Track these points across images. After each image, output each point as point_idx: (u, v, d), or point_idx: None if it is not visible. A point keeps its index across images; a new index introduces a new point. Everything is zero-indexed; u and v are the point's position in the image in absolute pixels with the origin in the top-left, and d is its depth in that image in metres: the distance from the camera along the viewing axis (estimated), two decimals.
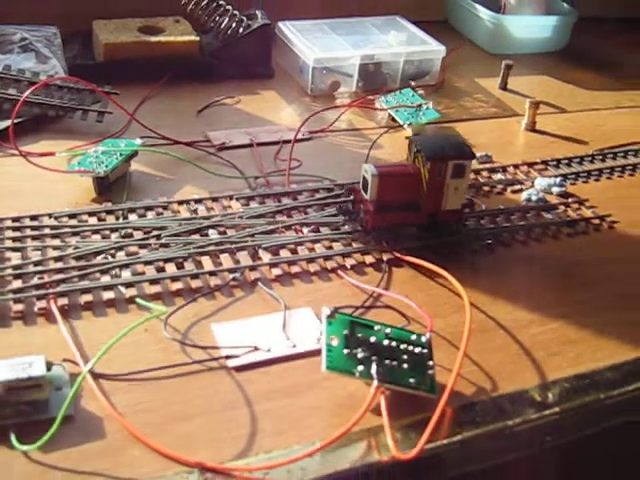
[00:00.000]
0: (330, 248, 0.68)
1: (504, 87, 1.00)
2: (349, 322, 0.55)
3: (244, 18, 0.95)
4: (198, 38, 0.94)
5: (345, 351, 0.53)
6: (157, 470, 0.48)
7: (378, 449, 0.51)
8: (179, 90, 0.92)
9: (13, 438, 0.48)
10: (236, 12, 0.95)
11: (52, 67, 0.85)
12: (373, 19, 1.03)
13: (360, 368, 0.52)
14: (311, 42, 0.94)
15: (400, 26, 1.02)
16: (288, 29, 0.97)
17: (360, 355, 0.53)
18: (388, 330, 0.55)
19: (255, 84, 0.97)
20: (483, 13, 1.10)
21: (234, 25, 0.94)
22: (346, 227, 0.70)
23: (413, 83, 0.97)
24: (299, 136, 0.84)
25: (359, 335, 0.54)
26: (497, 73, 1.02)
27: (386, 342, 0.54)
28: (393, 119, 0.89)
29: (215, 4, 0.94)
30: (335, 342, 0.53)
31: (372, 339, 0.54)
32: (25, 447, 0.48)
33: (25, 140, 0.80)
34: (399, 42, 0.98)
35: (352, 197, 0.71)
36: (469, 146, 0.69)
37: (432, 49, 0.97)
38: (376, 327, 0.55)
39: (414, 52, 0.96)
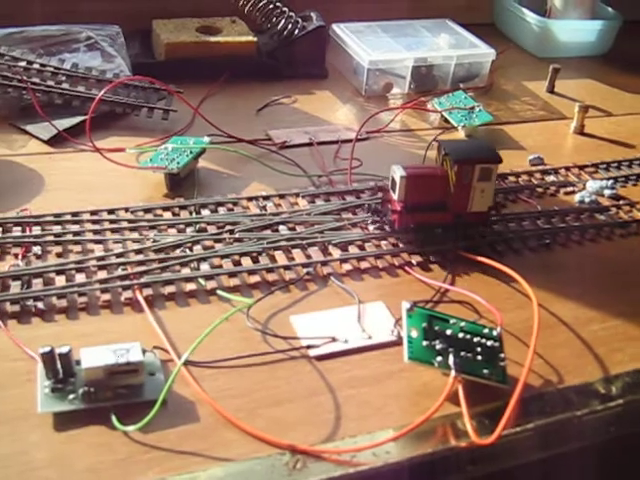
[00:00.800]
0: (396, 245, 0.71)
1: (551, 90, 1.03)
2: (427, 316, 0.57)
3: (299, 20, 0.98)
4: (256, 39, 0.97)
5: (424, 343, 0.56)
6: (251, 451, 0.51)
7: (454, 435, 0.54)
8: (236, 89, 0.95)
9: (114, 419, 0.51)
10: (292, 14, 0.97)
11: (117, 66, 0.88)
12: (423, 22, 1.05)
13: (439, 359, 0.55)
14: (365, 44, 0.97)
15: (449, 29, 1.05)
16: (342, 31, 1.00)
17: (438, 347, 0.56)
18: (463, 324, 0.58)
19: (309, 84, 0.99)
20: (529, 17, 1.12)
21: (290, 26, 0.97)
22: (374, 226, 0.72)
23: (462, 85, 0.99)
24: (357, 136, 0.87)
25: (436, 328, 0.57)
26: (543, 76, 1.04)
27: (461, 335, 0.57)
28: (446, 120, 0.92)
29: (272, 5, 0.96)
30: (415, 334, 0.56)
31: (448, 332, 0.57)
32: (126, 428, 0.51)
33: (93, 136, 0.83)
34: (449, 45, 1.01)
35: (381, 196, 0.74)
36: (496, 151, 0.71)
37: (482, 52, 0.99)
38: (451, 321, 0.58)
39: (465, 55, 0.98)
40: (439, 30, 1.03)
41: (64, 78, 0.86)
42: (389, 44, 0.99)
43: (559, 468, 0.59)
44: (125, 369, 0.53)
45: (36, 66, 0.86)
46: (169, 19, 0.98)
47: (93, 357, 0.53)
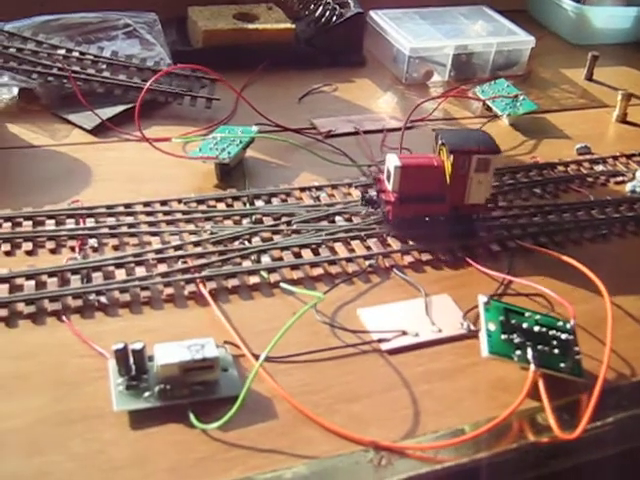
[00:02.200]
0: (455, 236, 0.70)
1: (590, 78, 1.02)
2: (503, 309, 0.57)
3: (337, 6, 0.96)
4: (294, 26, 0.95)
5: (503, 336, 0.55)
6: (333, 449, 0.50)
7: (533, 429, 0.53)
8: (275, 77, 0.93)
9: (192, 417, 0.50)
10: (329, 0, 0.96)
11: (157, 54, 0.87)
12: (459, 8, 1.04)
13: (517, 353, 0.54)
14: (404, 31, 0.95)
15: (486, 16, 1.03)
16: (380, 18, 0.98)
17: (516, 340, 0.55)
18: (537, 317, 0.57)
19: (347, 72, 0.98)
20: (565, 4, 1.11)
21: (327, 13, 0.95)
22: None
23: (501, 73, 0.98)
24: (400, 125, 0.86)
25: (513, 321, 0.56)
26: (580, 64, 1.03)
27: (536, 328, 0.56)
28: (488, 109, 0.91)
29: None
30: (493, 328, 0.55)
31: (524, 325, 0.56)
32: (206, 426, 0.50)
33: (134, 126, 0.82)
34: (487, 32, 0.99)
35: (376, 187, 0.71)
36: (494, 141, 0.69)
37: (522, 39, 0.98)
38: (527, 314, 0.57)
39: (505, 42, 0.97)
40: (476, 17, 1.02)
41: (104, 66, 0.84)
42: (428, 31, 0.97)
43: (635, 461, 0.58)
44: (201, 365, 0.52)
45: (75, 54, 0.84)
46: (205, 6, 0.96)
47: (168, 353, 0.52)
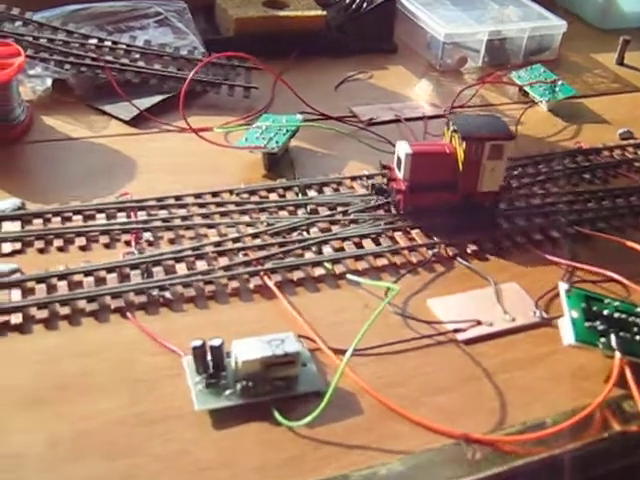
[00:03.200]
0: (514, 224, 0.68)
1: (621, 62, 1.00)
2: (584, 296, 0.55)
3: None
4: (325, 13, 0.93)
5: (587, 324, 0.54)
6: (423, 443, 0.48)
7: (619, 418, 0.52)
8: (307, 65, 0.91)
9: (277, 414, 0.49)
10: None
11: (190, 42, 0.84)
12: None
13: (602, 340, 0.53)
14: (437, 17, 0.94)
15: (516, 1, 1.02)
16: (411, 3, 0.96)
17: (600, 327, 0.54)
18: (617, 303, 0.56)
19: (379, 59, 0.96)
20: None
21: (358, 0, 0.94)
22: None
23: (533, 58, 0.97)
24: (439, 111, 0.85)
25: (594, 308, 0.55)
26: (609, 48, 1.02)
27: (616, 315, 0.55)
28: (524, 94, 0.90)
29: None
30: (575, 315, 0.54)
31: (605, 312, 0.55)
32: (293, 423, 0.48)
33: (172, 116, 0.79)
34: (518, 17, 0.98)
35: (387, 175, 0.69)
36: (508, 127, 0.67)
37: (554, 24, 0.96)
38: (606, 300, 0.56)
39: (538, 27, 0.95)
40: (506, 2, 1.01)
41: (138, 56, 0.81)
42: (460, 17, 0.96)
43: None
44: (282, 360, 0.50)
45: (108, 43, 0.81)
46: None
47: (248, 349, 0.50)
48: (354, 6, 0.94)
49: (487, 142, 0.65)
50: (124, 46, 0.82)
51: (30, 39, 0.80)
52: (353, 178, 0.72)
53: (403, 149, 0.66)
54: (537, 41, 0.97)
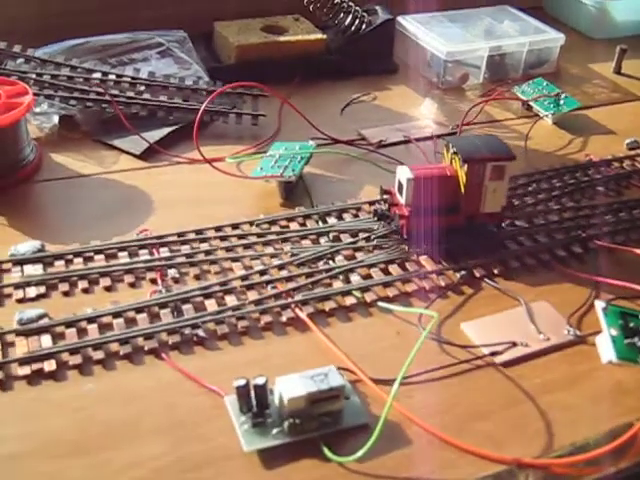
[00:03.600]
0: (535, 241, 0.69)
1: (618, 71, 1.02)
2: (620, 313, 0.56)
3: (365, 14, 0.94)
4: (325, 36, 0.93)
5: (626, 341, 0.54)
6: (476, 470, 0.48)
7: None
8: (310, 89, 0.91)
9: (326, 451, 0.48)
10: (357, 8, 0.94)
11: (195, 72, 0.84)
12: (484, 9, 1.03)
13: None
14: (437, 35, 0.94)
15: (511, 15, 1.02)
16: (410, 23, 0.97)
17: (639, 344, 0.54)
18: None
19: (381, 80, 0.96)
20: None
21: (356, 22, 0.94)
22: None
23: (531, 72, 0.97)
24: (448, 130, 0.85)
25: (631, 325, 0.55)
26: (604, 58, 1.03)
27: None
28: (528, 108, 0.90)
29: (337, 0, 0.93)
30: (614, 333, 0.54)
31: None
32: (343, 459, 0.48)
33: (180, 147, 0.79)
34: (515, 31, 0.99)
35: (388, 200, 0.68)
36: (508, 146, 0.66)
37: (552, 37, 0.97)
38: None
39: (537, 41, 0.96)
40: (501, 17, 1.01)
41: (143, 88, 0.81)
42: (458, 34, 0.96)
43: None
44: (327, 395, 0.50)
45: (112, 77, 0.81)
46: (230, 20, 0.93)
47: (292, 386, 0.49)
48: (353, 28, 0.94)
49: (489, 163, 0.64)
50: (129, 79, 0.81)
51: (34, 76, 0.79)
52: (371, 203, 0.71)
53: (404, 174, 0.65)
54: (536, 55, 0.97)
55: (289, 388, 0.49)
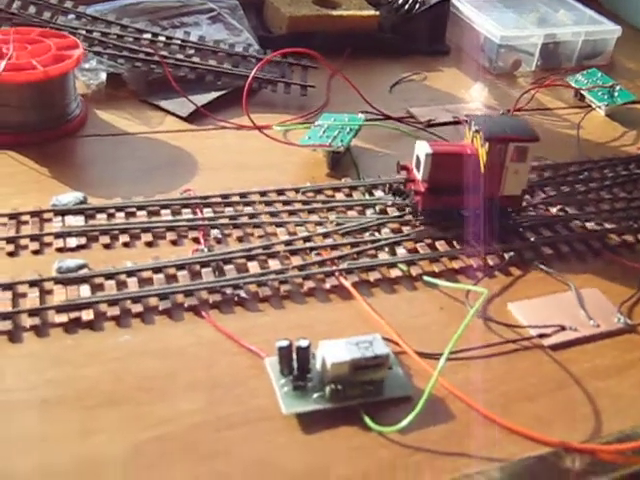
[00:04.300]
0: (585, 228, 0.67)
1: None
2: None
3: None
4: (378, 13, 0.92)
5: None
6: (520, 450, 0.46)
7: None
8: (360, 65, 0.89)
9: (368, 420, 0.47)
10: None
11: (245, 39, 0.83)
12: None
13: None
14: (492, 19, 0.92)
15: (567, 4, 1.00)
16: (464, 5, 0.95)
17: None
18: None
19: (431, 61, 0.94)
20: None
21: (410, 0, 0.92)
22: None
23: (585, 63, 0.95)
24: (496, 114, 0.83)
25: None
26: None
27: None
28: (580, 98, 0.88)
29: None
30: None
31: None
32: (385, 429, 0.46)
33: (227, 113, 0.78)
34: (570, 20, 0.97)
35: (404, 176, 0.65)
36: (532, 128, 0.63)
37: (609, 29, 0.95)
38: None
39: (592, 32, 0.94)
40: (557, 5, 0.99)
41: (192, 52, 0.80)
42: (513, 19, 0.94)
43: None
44: (371, 363, 0.48)
45: (162, 39, 0.80)
46: None
47: (336, 351, 0.48)
48: (407, 7, 0.92)
49: (511, 143, 0.62)
50: (178, 42, 0.80)
51: (84, 32, 0.78)
52: None
53: (423, 149, 0.63)
54: (591, 45, 0.95)
55: (333, 353, 0.48)
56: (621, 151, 0.80)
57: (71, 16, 0.80)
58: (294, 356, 0.48)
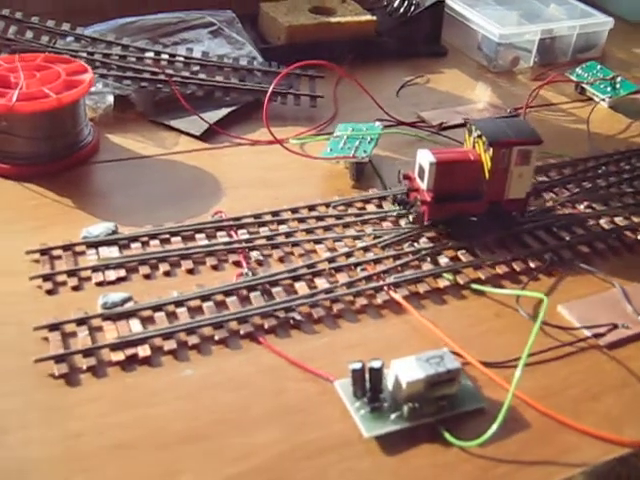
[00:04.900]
0: (614, 223, 0.67)
1: None
2: None
3: None
4: (375, 18, 0.91)
5: None
6: (600, 454, 0.46)
7: None
8: (361, 71, 0.88)
9: (448, 435, 0.46)
10: None
11: (248, 52, 0.81)
12: None
13: None
14: (488, 17, 0.92)
15: None
16: (458, 5, 0.95)
17: None
18: None
19: (430, 63, 0.94)
20: None
21: (405, 3, 0.92)
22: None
23: (580, 56, 0.96)
24: (502, 112, 0.83)
25: None
26: None
27: None
28: (582, 92, 0.89)
29: None
30: None
31: None
32: (466, 443, 0.46)
33: (239, 128, 0.77)
34: (563, 15, 0.98)
35: (407, 185, 0.65)
36: (534, 130, 0.63)
37: (602, 21, 0.96)
38: None
39: (587, 25, 0.95)
40: (548, 0, 1.00)
41: (197, 68, 0.78)
42: (507, 16, 0.95)
43: None
44: (444, 378, 0.48)
45: (165, 57, 0.78)
46: (277, 1, 0.91)
47: (408, 369, 0.47)
48: (402, 10, 0.92)
49: (515, 147, 0.61)
50: (182, 59, 0.78)
51: (84, 55, 0.76)
52: None
53: (426, 158, 0.62)
54: (584, 38, 0.96)
55: (406, 371, 0.47)
56: (632, 142, 0.81)
57: (70, 38, 0.78)
58: (366, 377, 0.48)
